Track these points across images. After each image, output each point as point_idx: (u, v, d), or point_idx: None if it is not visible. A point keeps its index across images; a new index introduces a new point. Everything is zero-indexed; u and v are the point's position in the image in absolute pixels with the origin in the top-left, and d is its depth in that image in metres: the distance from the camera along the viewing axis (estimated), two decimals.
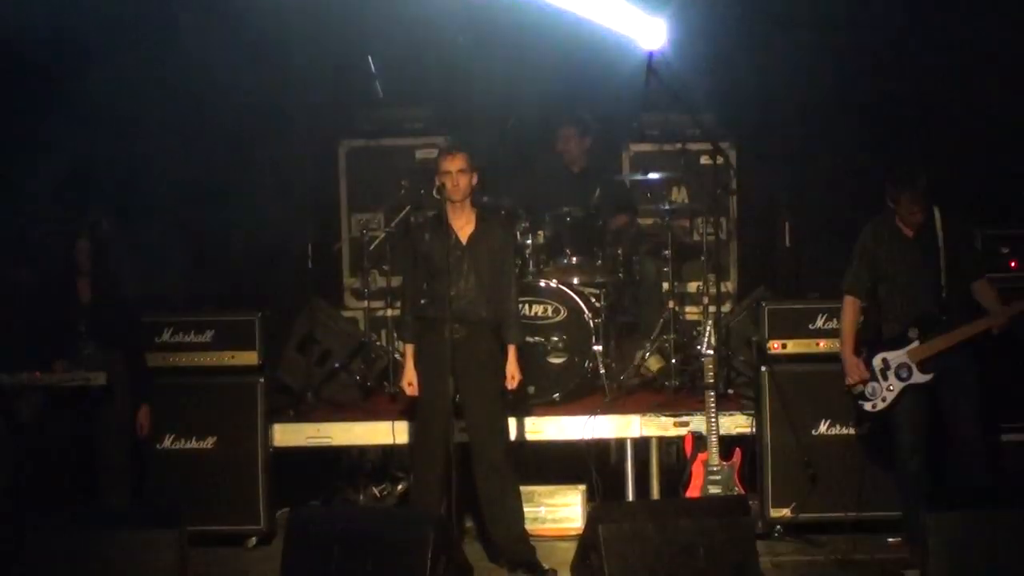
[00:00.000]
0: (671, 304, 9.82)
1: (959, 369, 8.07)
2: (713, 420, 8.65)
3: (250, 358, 9.02)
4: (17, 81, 9.71)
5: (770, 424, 8.82)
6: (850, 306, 8.27)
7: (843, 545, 8.37)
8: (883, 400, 8.15)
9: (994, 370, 8.43)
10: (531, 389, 9.17)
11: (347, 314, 10.73)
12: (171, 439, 8.94)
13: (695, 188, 10.38)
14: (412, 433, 8.74)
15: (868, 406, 8.20)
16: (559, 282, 9.56)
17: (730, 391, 9.50)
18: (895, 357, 8.12)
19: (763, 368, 8.87)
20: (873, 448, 8.56)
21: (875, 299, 8.26)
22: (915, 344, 8.09)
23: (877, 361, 8.16)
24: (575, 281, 9.67)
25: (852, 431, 8.71)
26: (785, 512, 8.78)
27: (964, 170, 9.77)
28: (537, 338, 9.42)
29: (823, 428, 8.82)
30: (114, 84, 9.94)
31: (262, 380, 9.01)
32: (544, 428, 9.13)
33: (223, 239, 10.30)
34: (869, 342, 8.24)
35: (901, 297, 8.16)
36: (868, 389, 8.17)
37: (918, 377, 8.09)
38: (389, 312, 10.18)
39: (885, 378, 8.14)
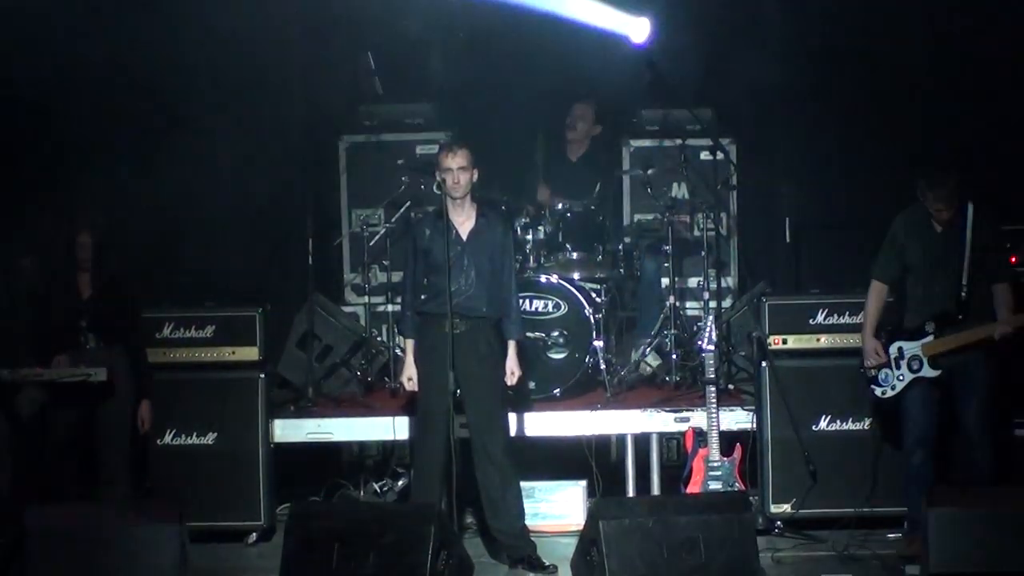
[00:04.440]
0: (672, 300, 9.82)
1: (969, 365, 8.10)
2: (714, 416, 8.65)
3: (251, 354, 9.03)
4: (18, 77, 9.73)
5: (771, 420, 8.81)
6: (876, 291, 8.29)
7: (844, 540, 8.37)
8: (892, 388, 8.20)
9: (1008, 367, 8.43)
10: (531, 384, 9.17)
11: (348, 310, 10.71)
12: (172, 434, 8.94)
13: (695, 184, 10.37)
14: (412, 429, 8.74)
15: (879, 392, 8.25)
16: (559, 277, 9.56)
17: (731, 387, 9.50)
18: (910, 348, 8.15)
19: (764, 363, 8.87)
20: (876, 443, 8.57)
21: (901, 286, 8.27)
22: (930, 338, 8.12)
23: (893, 349, 8.20)
24: (575, 276, 9.67)
25: (853, 426, 8.74)
26: (786, 508, 8.78)
27: (965, 167, 9.75)
28: (537, 333, 9.41)
29: (824, 424, 8.81)
30: (116, 83, 9.98)
31: (263, 376, 9.01)
32: (544, 424, 9.13)
33: (224, 235, 10.30)
34: (889, 329, 8.26)
35: (923, 290, 8.18)
36: (881, 375, 8.21)
37: (927, 371, 8.12)
38: (390, 308, 10.18)
39: (898, 367, 8.18)
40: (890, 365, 8.19)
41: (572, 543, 8.16)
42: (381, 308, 10.37)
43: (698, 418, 8.90)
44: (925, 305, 8.16)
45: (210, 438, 8.94)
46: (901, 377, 8.17)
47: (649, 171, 10.11)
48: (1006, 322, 8.02)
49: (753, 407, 8.95)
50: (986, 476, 8.09)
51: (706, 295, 9.91)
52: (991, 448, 8.14)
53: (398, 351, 9.65)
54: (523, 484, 8.41)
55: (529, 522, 8.47)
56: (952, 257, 8.09)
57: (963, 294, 8.06)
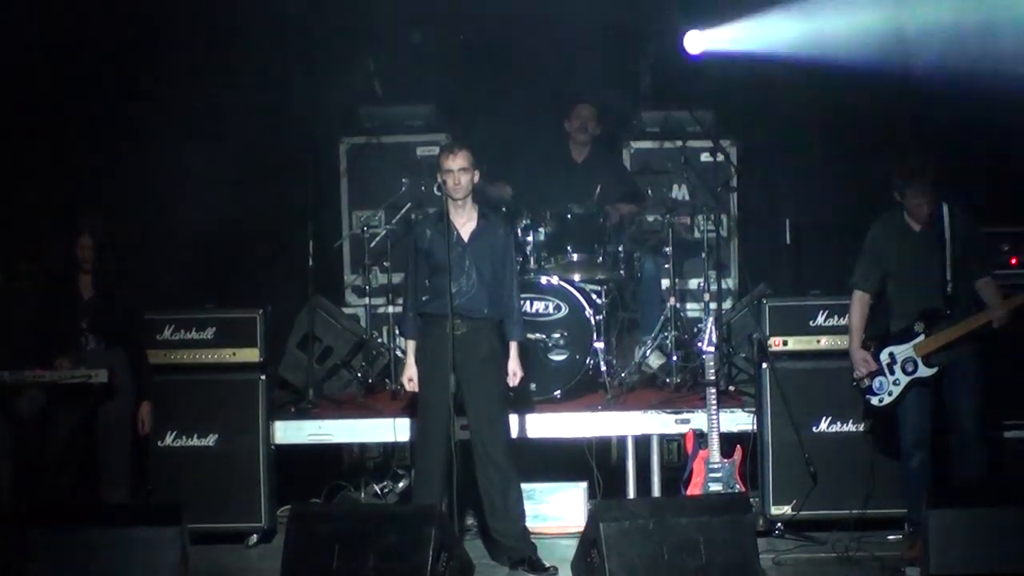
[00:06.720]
0: (672, 301, 9.82)
1: (962, 365, 8.10)
2: (714, 417, 8.65)
3: (251, 355, 9.02)
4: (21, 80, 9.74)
5: (771, 421, 8.81)
6: (859, 301, 8.29)
7: (844, 542, 8.37)
8: (889, 394, 8.18)
9: (997, 368, 8.44)
10: (532, 386, 9.17)
11: (348, 311, 10.72)
12: (172, 436, 8.94)
13: (696, 185, 10.38)
14: (413, 430, 8.75)
15: (875, 400, 8.23)
16: (560, 279, 9.56)
17: (731, 388, 9.51)
18: (901, 351, 8.15)
19: (764, 365, 8.87)
20: (876, 445, 8.58)
21: (884, 294, 8.28)
22: (921, 338, 8.12)
23: (884, 355, 8.19)
24: (576, 278, 9.66)
25: (853, 428, 8.74)
26: (786, 509, 8.78)
27: (964, 167, 9.76)
28: (538, 335, 9.41)
29: (824, 425, 8.81)
30: (116, 84, 9.98)
31: (263, 377, 9.00)
32: (545, 425, 9.13)
33: (225, 236, 10.30)
34: (877, 337, 8.26)
35: (908, 292, 8.18)
36: (875, 383, 8.20)
37: (923, 371, 8.11)
38: (391, 309, 10.19)
39: (892, 372, 8.17)
40: (883, 372, 8.19)
41: (572, 545, 8.16)
42: (382, 309, 10.38)
43: (698, 420, 8.90)
44: (911, 306, 8.16)
45: (211, 440, 8.94)
46: (897, 382, 8.17)
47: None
48: (1000, 307, 8.02)
49: (753, 409, 8.96)
50: (982, 474, 8.10)
51: (706, 297, 9.92)
52: (985, 446, 8.15)
53: (399, 352, 9.65)
54: (524, 486, 8.41)
55: (530, 524, 8.46)
56: (933, 256, 8.10)
57: (948, 290, 8.07)
